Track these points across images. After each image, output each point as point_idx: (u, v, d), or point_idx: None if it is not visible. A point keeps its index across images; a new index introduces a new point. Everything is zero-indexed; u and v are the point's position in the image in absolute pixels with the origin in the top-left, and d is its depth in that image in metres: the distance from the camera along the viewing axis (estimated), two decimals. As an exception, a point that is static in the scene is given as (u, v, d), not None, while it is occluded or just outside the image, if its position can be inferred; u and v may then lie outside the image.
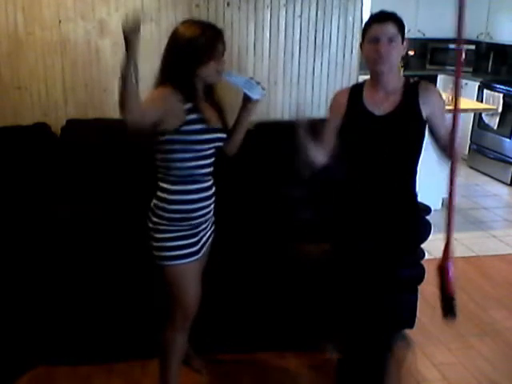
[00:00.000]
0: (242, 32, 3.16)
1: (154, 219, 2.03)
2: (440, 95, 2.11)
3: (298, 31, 3.22)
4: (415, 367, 2.67)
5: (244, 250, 2.55)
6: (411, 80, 2.10)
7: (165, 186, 2.01)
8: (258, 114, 3.22)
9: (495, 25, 6.14)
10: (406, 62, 6.02)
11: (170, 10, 3.06)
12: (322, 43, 3.28)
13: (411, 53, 6.36)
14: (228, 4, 3.11)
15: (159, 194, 2.03)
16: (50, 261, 2.46)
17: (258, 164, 2.96)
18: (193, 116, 1.95)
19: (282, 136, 3.03)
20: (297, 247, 2.58)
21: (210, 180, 2.09)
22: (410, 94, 2.04)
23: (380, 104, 2.04)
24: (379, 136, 2.03)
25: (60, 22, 2.97)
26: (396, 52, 1.98)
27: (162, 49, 3.18)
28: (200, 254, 2.09)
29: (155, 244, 2.03)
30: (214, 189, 2.12)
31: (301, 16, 3.20)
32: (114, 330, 2.54)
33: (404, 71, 5.33)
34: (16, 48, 2.97)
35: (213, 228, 2.21)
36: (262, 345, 2.67)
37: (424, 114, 2.02)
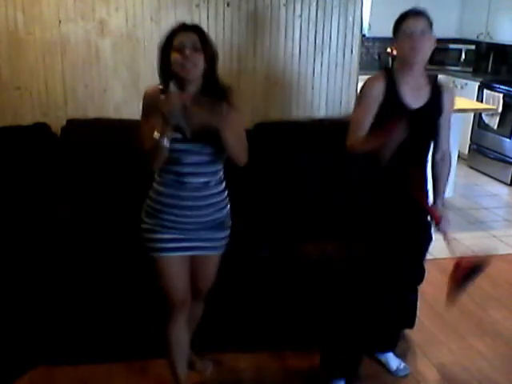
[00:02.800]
0: (241, 32, 3.16)
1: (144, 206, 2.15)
2: (454, 99, 2.29)
3: (298, 31, 3.22)
4: (415, 367, 2.67)
5: (244, 250, 2.55)
6: (427, 73, 2.23)
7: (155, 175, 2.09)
8: (258, 114, 3.24)
9: (495, 25, 6.14)
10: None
11: (170, 10, 3.06)
12: (322, 43, 3.27)
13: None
14: (228, 4, 3.11)
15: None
16: (51, 261, 2.46)
17: (258, 164, 2.95)
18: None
19: (282, 136, 3.04)
20: (298, 247, 2.58)
21: (198, 188, 2.04)
22: (436, 89, 2.20)
23: (415, 97, 2.15)
24: (411, 127, 2.06)
25: (60, 22, 2.97)
26: (428, 45, 2.11)
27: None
28: (180, 253, 2.09)
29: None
30: (211, 199, 2.08)
31: (301, 16, 3.20)
32: (113, 330, 2.54)
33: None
34: (16, 48, 2.97)
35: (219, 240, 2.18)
36: (262, 345, 2.67)
37: (441, 110, 2.20)
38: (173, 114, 1.82)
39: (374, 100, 2.16)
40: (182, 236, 2.07)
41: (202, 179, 2.03)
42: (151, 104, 1.97)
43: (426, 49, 2.12)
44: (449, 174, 2.38)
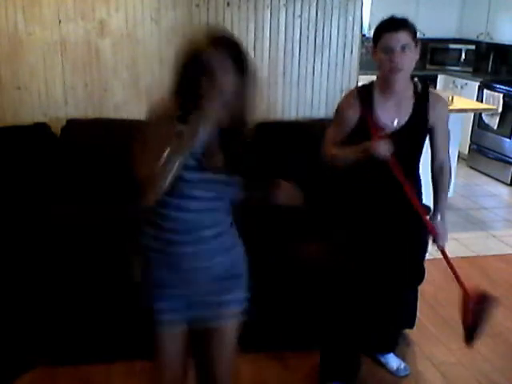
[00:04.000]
0: (242, 32, 3.16)
1: None
2: (447, 107, 2.17)
3: (298, 31, 3.22)
4: (415, 367, 2.67)
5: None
6: (415, 80, 2.09)
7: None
8: (258, 114, 3.24)
9: (495, 25, 6.13)
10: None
11: (170, 10, 3.06)
12: (322, 43, 3.28)
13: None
14: (228, 4, 3.11)
15: None
16: (51, 261, 2.46)
17: (258, 164, 2.95)
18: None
19: (282, 136, 3.04)
20: (296, 247, 2.58)
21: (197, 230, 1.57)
22: (421, 101, 2.05)
23: (393, 116, 2.02)
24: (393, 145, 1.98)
25: (60, 22, 2.97)
26: (410, 60, 1.96)
27: (162, 49, 3.18)
28: (175, 328, 1.65)
29: None
30: (206, 247, 1.60)
31: (301, 16, 3.20)
32: (113, 329, 2.54)
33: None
34: (16, 48, 2.97)
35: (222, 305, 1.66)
36: (262, 345, 2.67)
37: (430, 122, 2.06)
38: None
39: (346, 123, 2.08)
40: (178, 303, 1.62)
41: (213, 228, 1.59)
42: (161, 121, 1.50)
43: (408, 65, 1.96)
44: (448, 186, 2.26)
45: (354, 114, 2.06)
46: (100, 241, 2.51)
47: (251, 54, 3.21)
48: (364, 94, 2.07)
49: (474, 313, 2.13)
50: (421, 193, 2.24)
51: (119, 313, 2.52)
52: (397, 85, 2.00)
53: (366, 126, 2.02)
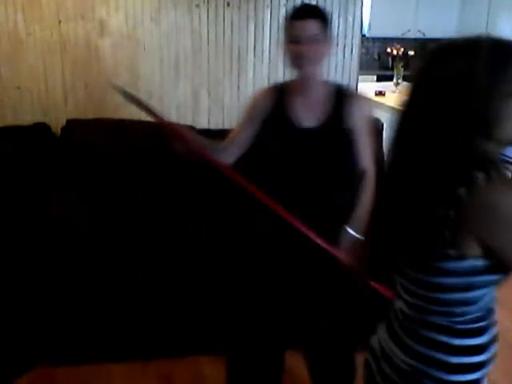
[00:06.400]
0: (242, 32, 3.16)
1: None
2: (368, 108, 1.92)
3: (298, 31, 3.22)
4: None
5: (243, 250, 2.55)
6: (332, 81, 1.93)
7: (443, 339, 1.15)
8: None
9: (495, 25, 6.13)
10: (406, 61, 6.02)
11: (170, 10, 3.06)
12: (322, 43, 3.28)
13: (411, 53, 6.36)
14: (228, 4, 3.11)
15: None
16: (51, 261, 2.46)
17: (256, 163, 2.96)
18: None
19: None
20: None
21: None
22: (340, 101, 1.80)
23: (306, 114, 1.79)
24: (303, 151, 1.78)
25: (60, 22, 2.97)
26: (320, 52, 1.74)
27: (162, 49, 3.17)
28: None
29: None
30: None
31: (301, 16, 3.20)
32: (114, 330, 2.54)
33: (404, 71, 5.34)
34: (16, 48, 2.97)
35: None
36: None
37: (348, 123, 1.79)
38: None
39: (254, 115, 1.85)
40: None
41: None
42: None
43: (317, 57, 1.74)
44: (369, 200, 1.71)
45: (264, 102, 1.84)
46: (100, 241, 2.52)
47: (251, 54, 3.22)
48: (278, 89, 1.87)
49: None
50: (342, 213, 1.83)
51: (119, 313, 2.52)
52: (309, 80, 1.78)
53: (275, 124, 1.82)
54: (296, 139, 1.78)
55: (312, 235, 1.74)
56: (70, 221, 2.61)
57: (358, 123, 1.80)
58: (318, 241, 1.74)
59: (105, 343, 2.56)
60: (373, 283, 1.63)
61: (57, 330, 2.51)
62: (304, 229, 1.73)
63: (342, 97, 1.81)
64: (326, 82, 1.86)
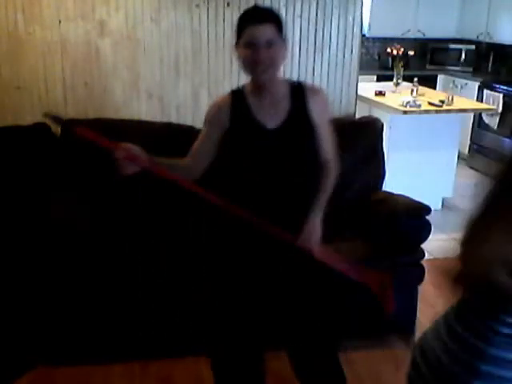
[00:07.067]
0: (242, 32, 3.16)
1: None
2: (326, 100, 1.91)
3: (298, 31, 3.22)
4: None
5: (242, 250, 2.55)
6: (289, 78, 1.92)
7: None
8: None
9: (495, 25, 6.14)
10: (406, 61, 6.02)
11: (170, 10, 3.06)
12: (322, 43, 3.28)
13: (411, 53, 6.36)
14: (228, 4, 3.11)
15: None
16: (51, 261, 2.46)
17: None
18: None
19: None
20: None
21: None
22: (298, 97, 1.81)
23: (270, 113, 1.79)
24: (273, 150, 1.79)
25: (60, 22, 2.97)
26: (277, 56, 1.72)
27: (162, 49, 3.17)
28: None
29: None
30: None
31: (301, 16, 3.20)
32: (113, 330, 2.54)
33: (404, 71, 5.33)
34: (16, 48, 2.97)
35: None
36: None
37: (312, 118, 1.81)
38: None
39: (211, 128, 1.84)
40: None
41: None
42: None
43: (275, 63, 1.72)
44: (331, 187, 1.89)
45: (220, 113, 1.82)
46: (100, 241, 2.52)
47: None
48: (237, 95, 1.84)
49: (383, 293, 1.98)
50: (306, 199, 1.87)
51: (119, 313, 2.52)
52: (268, 84, 1.76)
53: (242, 130, 1.81)
54: (261, 140, 1.79)
55: (280, 234, 1.78)
56: (69, 221, 2.60)
57: (319, 116, 1.81)
58: (286, 237, 1.80)
59: (105, 343, 2.56)
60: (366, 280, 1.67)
61: (57, 330, 2.51)
62: (271, 229, 1.77)
63: (299, 93, 1.81)
64: (284, 81, 1.86)
